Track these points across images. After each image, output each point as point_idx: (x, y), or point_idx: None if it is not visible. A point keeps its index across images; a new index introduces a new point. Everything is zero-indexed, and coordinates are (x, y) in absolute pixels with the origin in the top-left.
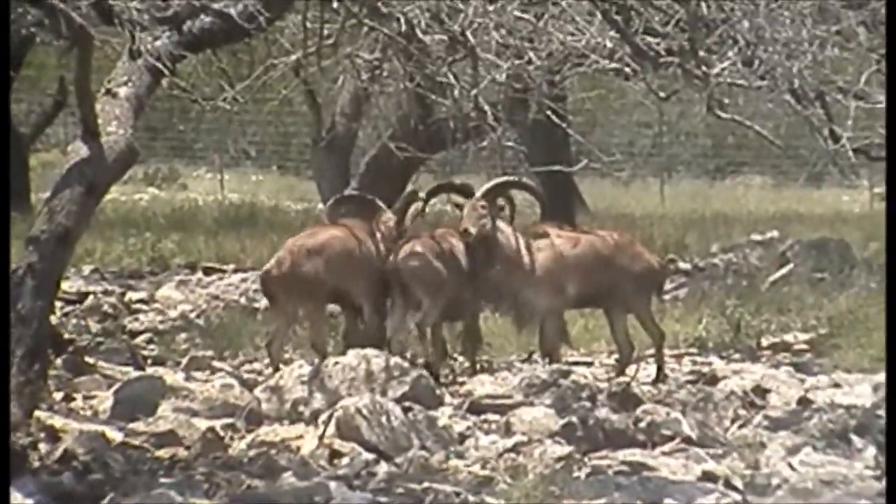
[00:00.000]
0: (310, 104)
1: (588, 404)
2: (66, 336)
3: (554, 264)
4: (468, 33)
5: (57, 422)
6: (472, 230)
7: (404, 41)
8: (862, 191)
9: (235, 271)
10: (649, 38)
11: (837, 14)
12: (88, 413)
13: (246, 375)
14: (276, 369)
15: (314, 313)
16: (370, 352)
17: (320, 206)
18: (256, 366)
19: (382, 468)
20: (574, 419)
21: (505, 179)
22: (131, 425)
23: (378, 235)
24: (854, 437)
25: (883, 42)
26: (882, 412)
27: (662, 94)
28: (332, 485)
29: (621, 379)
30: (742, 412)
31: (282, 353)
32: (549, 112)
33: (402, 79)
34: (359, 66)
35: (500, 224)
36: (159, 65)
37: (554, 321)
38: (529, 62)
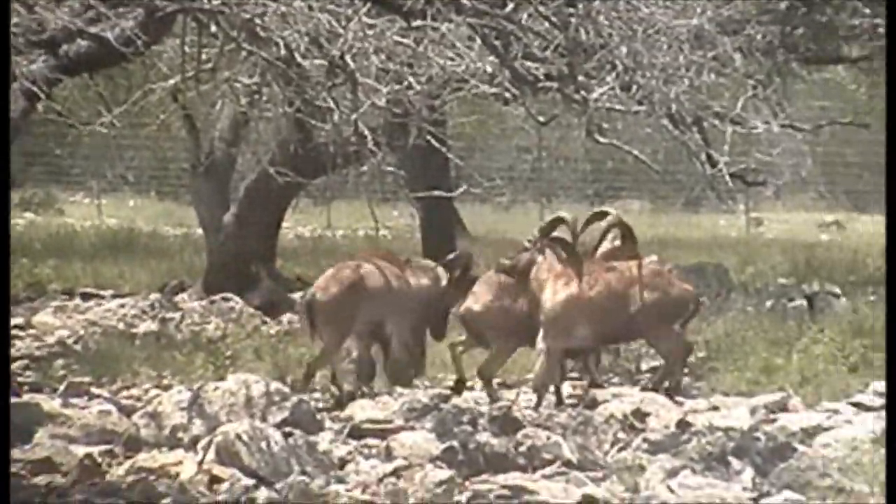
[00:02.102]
0: (188, 129)
1: (469, 428)
2: None
3: (563, 307)
4: (347, 58)
5: None
6: (504, 261)
7: (283, 66)
8: (739, 215)
9: (113, 297)
10: (528, 63)
11: (713, 40)
12: None
13: (124, 401)
14: (342, 394)
15: (335, 343)
16: (250, 377)
17: (199, 231)
18: (134, 391)
19: (262, 494)
20: (455, 443)
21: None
22: None
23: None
24: (732, 460)
25: (758, 68)
26: (759, 434)
27: (542, 119)
28: None
29: (501, 404)
30: (622, 435)
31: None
32: (428, 137)
33: (282, 103)
34: (237, 90)
35: (543, 258)
36: (35, 88)
37: (549, 360)
38: (409, 87)
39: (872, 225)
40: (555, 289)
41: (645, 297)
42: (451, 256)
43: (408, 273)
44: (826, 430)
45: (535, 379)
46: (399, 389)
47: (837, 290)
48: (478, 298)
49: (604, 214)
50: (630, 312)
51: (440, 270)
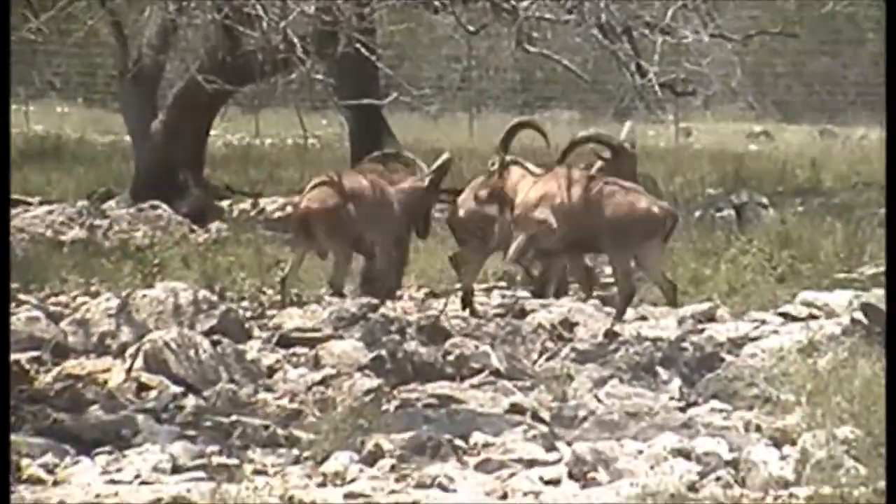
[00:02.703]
0: (116, 35)
1: (397, 338)
2: None
3: (535, 202)
4: None
5: None
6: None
7: None
8: (668, 125)
9: (41, 204)
10: None
11: None
12: None
13: (52, 308)
14: (284, 306)
15: (343, 253)
16: (178, 285)
17: (127, 138)
18: (62, 298)
19: (190, 401)
20: (383, 352)
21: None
22: None
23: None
24: (660, 370)
25: None
26: (687, 344)
27: (471, 28)
28: (140, 418)
29: (429, 313)
30: (550, 345)
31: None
32: (357, 45)
33: (210, 10)
34: None
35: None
36: None
37: (517, 249)
38: None
39: (801, 135)
40: (528, 189)
41: (611, 211)
42: (438, 162)
43: (387, 180)
44: (753, 339)
45: (508, 259)
46: (328, 298)
47: (765, 201)
48: (463, 204)
49: (526, 125)
50: (597, 222)
51: (422, 168)
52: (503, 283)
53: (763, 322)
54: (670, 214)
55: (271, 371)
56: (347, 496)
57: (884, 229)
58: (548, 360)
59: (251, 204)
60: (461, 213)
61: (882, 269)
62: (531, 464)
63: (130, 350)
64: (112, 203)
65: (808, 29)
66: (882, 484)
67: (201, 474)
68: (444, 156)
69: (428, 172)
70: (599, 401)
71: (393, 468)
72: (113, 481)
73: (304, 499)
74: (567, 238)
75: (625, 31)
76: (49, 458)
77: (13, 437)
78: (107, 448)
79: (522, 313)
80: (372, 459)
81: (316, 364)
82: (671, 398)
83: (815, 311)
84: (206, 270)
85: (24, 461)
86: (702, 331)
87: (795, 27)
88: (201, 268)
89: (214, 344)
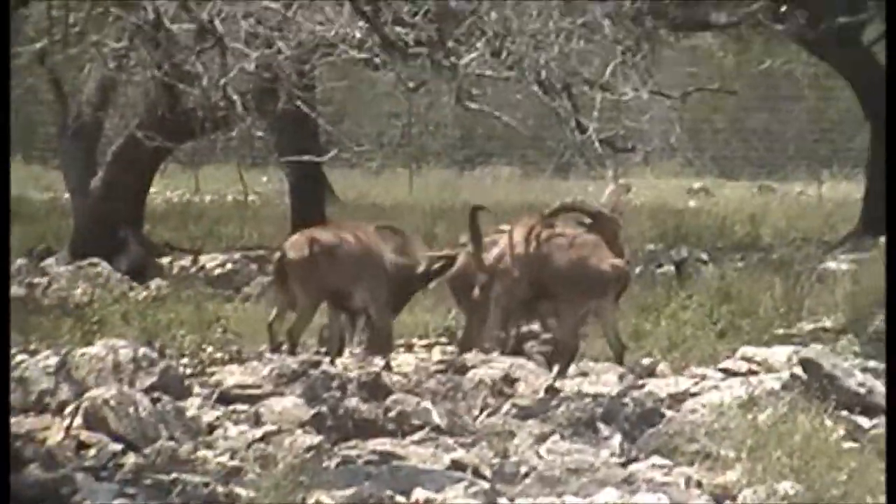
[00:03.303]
0: (55, 92)
1: (338, 394)
2: None
3: (496, 258)
4: (216, 22)
5: None
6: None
7: (152, 29)
8: (608, 181)
9: None
10: (398, 29)
11: (583, 7)
12: None
13: None
14: (274, 350)
15: (309, 305)
16: (118, 342)
17: (66, 195)
18: None
19: (130, 459)
20: (324, 409)
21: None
22: None
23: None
24: (600, 425)
25: (627, 35)
26: (628, 400)
27: (411, 85)
28: (79, 476)
29: (371, 369)
30: (491, 401)
31: (279, 334)
32: (298, 102)
33: (150, 67)
34: (105, 54)
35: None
36: None
37: (496, 309)
38: (279, 52)
39: (740, 191)
40: (499, 243)
41: (562, 265)
42: (445, 252)
43: (383, 247)
44: (693, 395)
45: (486, 330)
46: (267, 355)
47: (705, 257)
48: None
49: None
50: (549, 275)
51: (421, 254)
52: (444, 339)
53: (703, 377)
54: (622, 273)
55: (211, 428)
56: None
57: (822, 285)
58: (489, 416)
59: (191, 260)
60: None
61: (820, 324)
62: None
63: (69, 408)
64: (51, 260)
65: (746, 85)
66: None
67: None
68: (460, 258)
69: (428, 259)
70: (541, 457)
71: None
72: None
73: None
74: (530, 289)
75: (564, 87)
76: None
77: None
78: None
79: (463, 369)
80: None
81: (256, 421)
82: (612, 454)
83: (754, 367)
84: (146, 327)
85: None
86: (642, 386)
87: (734, 83)
88: (141, 325)
89: (154, 401)
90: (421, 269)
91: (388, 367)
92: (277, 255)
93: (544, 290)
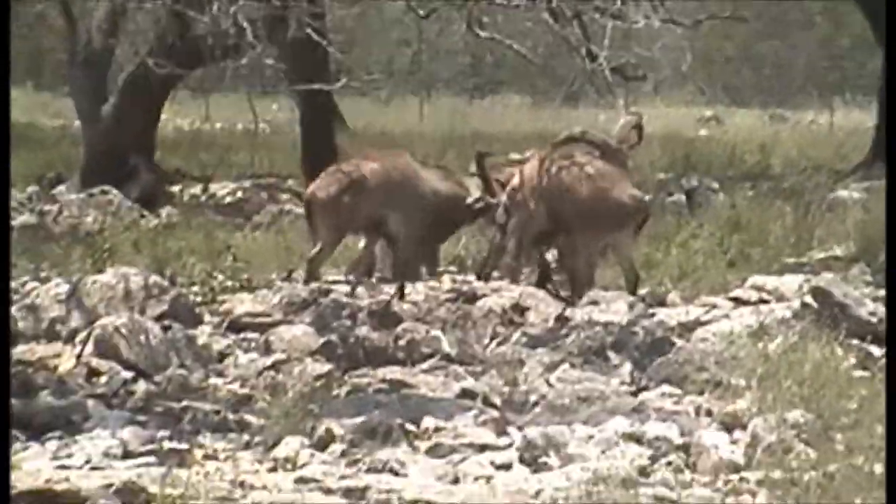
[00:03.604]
0: (65, 19)
1: (348, 322)
2: None
3: (518, 185)
4: None
5: None
6: None
7: None
8: (618, 110)
9: None
10: None
11: None
12: None
13: None
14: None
15: (329, 239)
16: (128, 270)
17: (77, 123)
18: (12, 284)
19: (141, 387)
20: (334, 337)
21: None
22: None
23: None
24: (611, 354)
25: None
26: (638, 329)
27: (422, 13)
28: (90, 403)
29: (381, 298)
30: (501, 330)
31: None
32: (308, 29)
33: None
34: None
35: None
36: None
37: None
38: None
39: (750, 119)
40: (514, 176)
41: (583, 196)
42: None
43: (423, 175)
44: (703, 324)
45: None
46: (279, 283)
47: (715, 186)
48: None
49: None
50: (570, 207)
51: (471, 186)
52: (454, 268)
53: (713, 306)
54: (641, 205)
55: (222, 356)
56: (298, 481)
57: (833, 213)
58: (499, 344)
59: (201, 189)
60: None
61: (831, 253)
62: (482, 448)
63: (81, 335)
64: (62, 188)
65: (757, 13)
66: (832, 467)
67: (152, 459)
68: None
69: (476, 196)
70: (550, 385)
71: (344, 453)
72: (63, 466)
73: (255, 483)
74: (548, 221)
75: (575, 15)
76: None
77: None
78: (57, 433)
79: (473, 298)
80: (323, 444)
81: (266, 349)
82: (622, 383)
83: (764, 296)
84: (156, 255)
85: None
86: (652, 315)
87: (745, 11)
88: (152, 253)
89: (165, 329)
90: (469, 200)
91: (401, 295)
92: (305, 195)
93: (563, 222)
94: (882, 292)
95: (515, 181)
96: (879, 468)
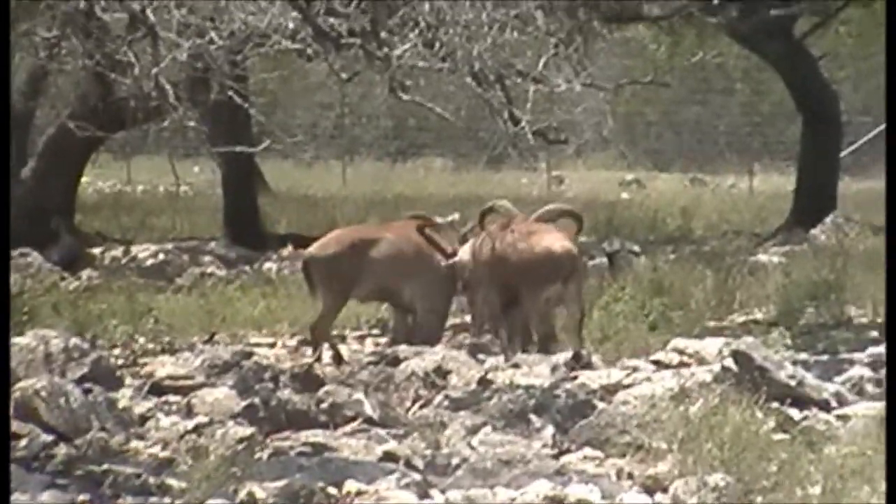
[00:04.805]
0: None
1: (270, 385)
2: None
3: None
4: (148, 11)
5: None
6: None
7: (83, 19)
8: (540, 173)
9: None
10: (331, 19)
11: None
12: None
13: None
14: (315, 350)
15: (332, 305)
16: (49, 333)
17: None
18: None
19: (61, 450)
20: (256, 400)
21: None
22: None
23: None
24: (532, 417)
25: (560, 27)
26: (560, 392)
27: (344, 76)
28: (11, 467)
29: (303, 361)
30: (423, 392)
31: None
32: (230, 92)
33: (81, 57)
34: (36, 43)
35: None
36: None
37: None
38: (211, 42)
39: (672, 183)
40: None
41: (517, 255)
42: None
43: (436, 241)
44: (626, 387)
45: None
46: (199, 346)
47: (637, 249)
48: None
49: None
50: (509, 269)
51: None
52: (376, 331)
53: (635, 369)
54: (569, 255)
55: (143, 419)
56: None
57: (753, 277)
58: (421, 407)
59: (123, 251)
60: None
61: (752, 317)
62: None
63: None
64: None
65: (679, 78)
66: None
67: None
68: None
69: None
70: (473, 448)
71: None
72: None
73: None
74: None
75: (497, 79)
76: None
77: None
78: None
79: (395, 361)
80: None
81: (188, 412)
82: (544, 445)
83: (686, 359)
84: (77, 318)
85: None
86: (575, 378)
87: (667, 76)
88: (72, 315)
89: (86, 392)
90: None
91: (339, 359)
92: (306, 255)
93: (510, 285)
94: (802, 356)
95: (465, 259)
96: None
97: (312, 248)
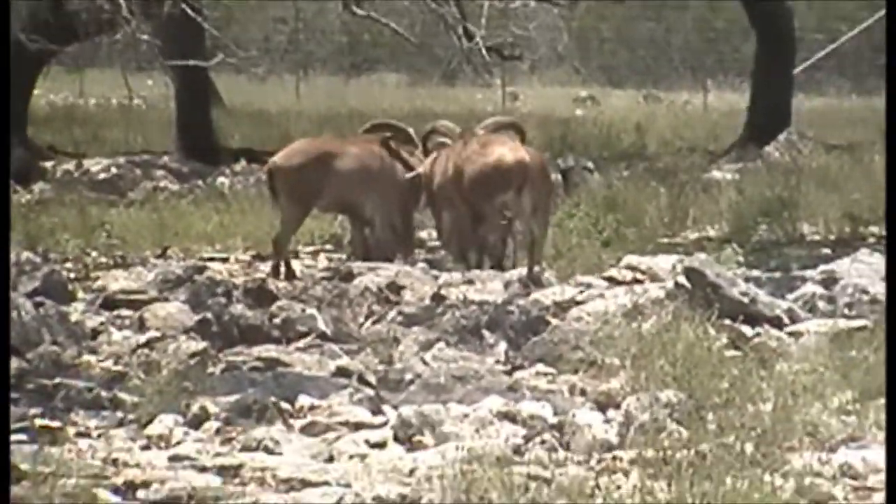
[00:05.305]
0: None
1: (223, 300)
2: None
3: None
4: None
5: None
6: None
7: None
8: (495, 89)
9: None
10: None
11: None
12: None
13: None
14: (280, 264)
15: (294, 215)
16: None
17: None
18: None
19: (13, 364)
20: (209, 315)
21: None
22: None
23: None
24: (486, 333)
25: None
26: (513, 308)
27: None
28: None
29: (256, 275)
30: (376, 308)
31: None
32: (183, 6)
33: None
34: None
35: None
36: None
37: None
38: None
39: (626, 100)
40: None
41: (468, 167)
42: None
43: (402, 154)
44: (578, 303)
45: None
46: (152, 261)
47: (591, 165)
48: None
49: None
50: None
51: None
52: (329, 247)
53: (588, 286)
54: (521, 164)
55: (95, 333)
56: (172, 459)
57: (706, 194)
58: (374, 323)
59: (75, 165)
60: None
61: (705, 233)
62: (357, 427)
63: None
64: None
65: None
66: (704, 446)
67: (23, 437)
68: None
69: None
70: (426, 364)
71: (218, 431)
72: None
73: (128, 461)
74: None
75: None
76: None
77: None
78: None
79: (349, 276)
80: (197, 422)
81: (141, 326)
82: (497, 361)
83: (639, 276)
84: (29, 232)
85: None
86: (528, 294)
87: None
88: (24, 229)
89: (37, 306)
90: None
91: (291, 273)
92: (269, 163)
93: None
94: (755, 272)
95: (427, 173)
96: (750, 448)
97: (277, 158)
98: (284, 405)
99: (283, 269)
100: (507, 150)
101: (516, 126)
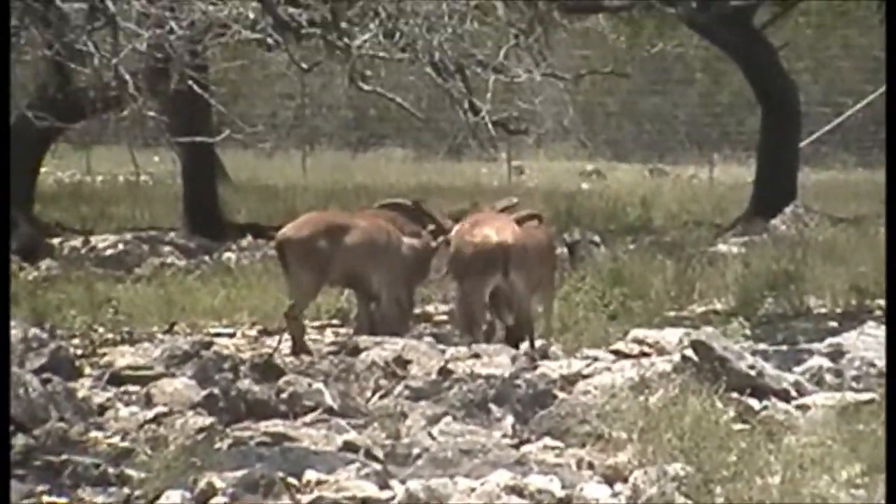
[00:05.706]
0: None
1: (230, 375)
2: None
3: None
4: (108, 1)
5: None
6: None
7: (42, 8)
8: (501, 163)
9: None
10: (291, 9)
11: None
12: None
13: None
14: (297, 342)
15: (308, 286)
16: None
17: None
18: None
19: (20, 440)
20: (216, 390)
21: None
22: None
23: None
24: (493, 407)
25: (520, 17)
26: (520, 382)
27: (305, 66)
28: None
29: (263, 350)
30: (383, 382)
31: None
32: (190, 82)
33: (41, 46)
34: None
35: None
36: None
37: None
38: (171, 31)
39: (632, 173)
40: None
41: (460, 248)
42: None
43: (404, 231)
44: (585, 377)
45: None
46: (159, 336)
47: (597, 239)
48: None
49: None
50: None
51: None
52: (336, 321)
53: (595, 359)
54: (502, 247)
55: (102, 409)
56: None
57: (713, 268)
58: (381, 397)
59: (82, 241)
60: None
61: (711, 307)
62: (364, 501)
63: None
64: None
65: (638, 68)
66: None
67: None
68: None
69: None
70: (433, 438)
71: None
72: None
73: None
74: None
75: (457, 69)
76: None
77: None
78: None
79: (356, 350)
80: (204, 498)
81: (147, 402)
82: (504, 435)
83: (646, 349)
84: (35, 308)
85: None
86: (535, 368)
87: (626, 66)
88: (31, 305)
89: (44, 382)
90: (433, 244)
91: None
92: (279, 236)
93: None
94: (762, 346)
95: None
96: None
97: (286, 230)
98: (292, 480)
99: (296, 341)
100: (492, 232)
101: (534, 216)
